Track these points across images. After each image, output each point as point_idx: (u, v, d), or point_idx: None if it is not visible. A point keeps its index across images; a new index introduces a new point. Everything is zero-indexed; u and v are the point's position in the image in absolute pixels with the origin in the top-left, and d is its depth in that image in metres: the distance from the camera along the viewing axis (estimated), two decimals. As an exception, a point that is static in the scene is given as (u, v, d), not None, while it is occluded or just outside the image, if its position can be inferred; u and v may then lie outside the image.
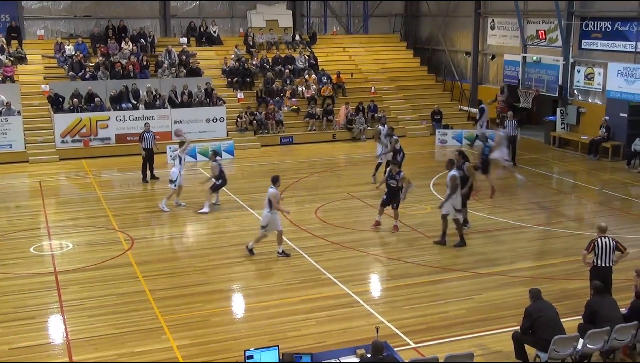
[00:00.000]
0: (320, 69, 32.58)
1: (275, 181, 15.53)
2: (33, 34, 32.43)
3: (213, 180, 19.42)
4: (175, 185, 19.60)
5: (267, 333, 11.97)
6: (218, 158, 19.78)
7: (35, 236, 17.47)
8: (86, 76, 28.89)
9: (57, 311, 13.08)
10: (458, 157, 17.17)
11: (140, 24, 33.34)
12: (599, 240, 12.22)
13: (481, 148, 20.60)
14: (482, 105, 28.65)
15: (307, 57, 33.19)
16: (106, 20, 32.18)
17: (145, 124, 23.54)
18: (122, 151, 26.33)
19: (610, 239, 12.25)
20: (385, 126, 22.92)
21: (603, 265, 12.17)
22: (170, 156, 23.61)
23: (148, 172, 22.84)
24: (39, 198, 21.00)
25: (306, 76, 31.75)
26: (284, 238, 15.98)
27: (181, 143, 20.39)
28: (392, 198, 17.38)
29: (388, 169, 17.57)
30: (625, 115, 25.60)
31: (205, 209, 19.24)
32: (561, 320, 10.71)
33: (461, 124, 31.36)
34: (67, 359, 11.27)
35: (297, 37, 34.64)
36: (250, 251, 15.80)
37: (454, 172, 16.24)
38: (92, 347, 11.61)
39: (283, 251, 15.76)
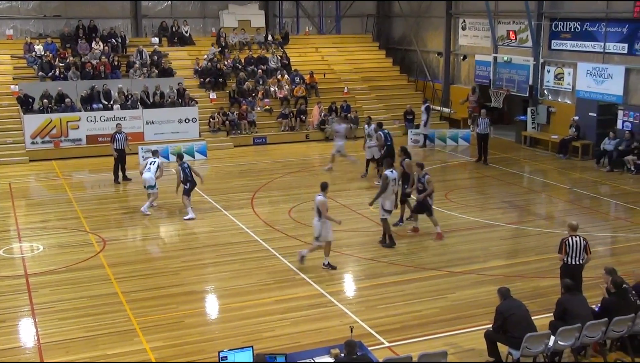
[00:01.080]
0: (293, 69, 32.57)
1: (324, 188, 14.76)
2: (2, 34, 31.95)
3: (182, 185, 18.84)
4: (155, 188, 19.30)
5: (241, 334, 11.94)
6: (184, 161, 19.04)
7: (5, 239, 17.25)
8: (56, 76, 28.57)
9: (28, 314, 12.92)
10: (400, 153, 17.69)
11: (111, 23, 33.04)
12: (570, 238, 12.39)
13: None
14: (427, 103, 28.75)
15: (279, 58, 33.14)
16: (76, 20, 31.87)
17: (117, 125, 23.36)
18: (93, 152, 26.08)
19: (581, 238, 12.42)
20: (372, 124, 23.15)
21: (574, 262, 12.33)
22: (142, 162, 22.66)
23: (120, 173, 22.64)
24: (8, 200, 20.72)
25: (279, 76, 31.71)
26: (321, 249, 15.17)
27: (154, 152, 20.05)
28: (422, 203, 16.91)
29: (416, 173, 17.06)
30: (595, 115, 25.93)
31: (191, 215, 18.71)
32: (534, 317, 10.83)
33: (434, 124, 31.44)
34: (38, 363, 11.16)
35: (270, 38, 34.57)
36: (302, 259, 15.08)
37: (387, 171, 16.34)
38: (64, 350, 11.49)
39: (329, 263, 14.94)
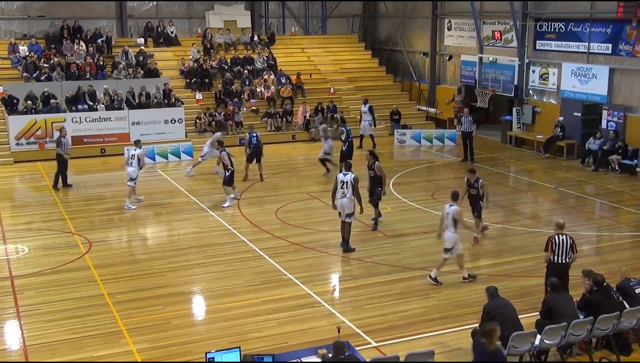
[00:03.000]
0: (279, 69, 32.55)
1: (456, 197, 14.23)
2: (-15, 35, 31.83)
3: (223, 172, 19.73)
4: (135, 182, 19.67)
5: (228, 335, 11.92)
6: (224, 147, 20.17)
7: (-11, 241, 17.13)
8: (41, 78, 28.39)
9: (13, 316, 12.84)
10: (369, 157, 17.74)
11: (96, 24, 32.92)
12: (556, 237, 12.45)
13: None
14: (369, 104, 28.73)
15: (265, 58, 33.12)
16: (61, 21, 31.70)
17: (61, 129, 22.58)
18: (79, 153, 25.93)
19: (567, 236, 12.48)
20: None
21: (560, 261, 12.38)
22: (125, 155, 22.43)
23: (60, 180, 21.97)
24: (-7, 202, 20.59)
25: (265, 77, 31.69)
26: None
27: (137, 142, 20.38)
28: (473, 206, 16.71)
29: (466, 178, 16.75)
30: (579, 114, 26.09)
31: (228, 203, 19.70)
32: (520, 316, 10.88)
33: (420, 124, 31.63)
34: (24, 365, 11.09)
35: (256, 38, 34.55)
36: (435, 280, 14.12)
37: (339, 173, 16.29)
38: (50, 352, 11.42)
39: (469, 274, 14.29)
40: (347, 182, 15.68)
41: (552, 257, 12.42)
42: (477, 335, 9.67)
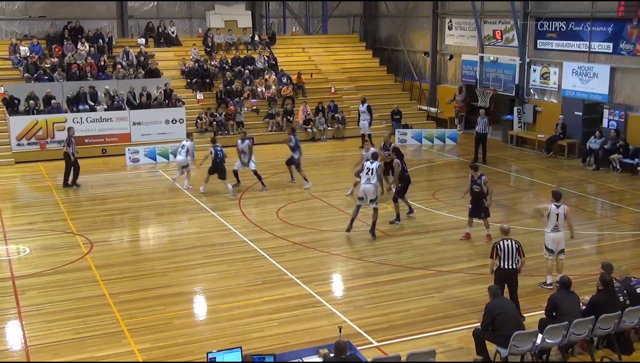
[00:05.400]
0: (279, 69, 32.56)
1: (559, 196, 13.91)
2: (-14, 35, 31.84)
3: (294, 156, 21.63)
4: (186, 170, 21.79)
5: (229, 335, 11.93)
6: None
7: (-9, 241, 17.15)
8: (42, 78, 28.40)
9: (14, 317, 12.84)
10: (392, 154, 18.89)
11: (96, 24, 32.91)
12: (501, 242, 12.27)
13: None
14: (367, 103, 28.66)
15: (266, 58, 33.13)
16: (62, 21, 31.70)
17: (69, 128, 22.86)
18: (80, 154, 25.71)
19: (513, 241, 12.30)
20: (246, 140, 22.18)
21: (507, 266, 12.17)
22: (178, 145, 22.65)
23: (70, 177, 22.21)
24: (-6, 202, 20.61)
25: (266, 77, 31.70)
26: None
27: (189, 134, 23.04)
28: (478, 205, 16.62)
29: (470, 175, 16.68)
30: (580, 113, 26.08)
31: (308, 185, 21.55)
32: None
33: (421, 124, 31.62)
34: (26, 366, 11.11)
35: (257, 38, 34.55)
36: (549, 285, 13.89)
37: (379, 163, 17.46)
38: (52, 352, 11.43)
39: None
40: (372, 169, 16.79)
41: (498, 263, 12.21)
42: None
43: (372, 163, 16.93)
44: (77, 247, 16.62)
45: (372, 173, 16.72)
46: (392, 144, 20.18)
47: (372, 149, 18.67)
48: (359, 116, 28.54)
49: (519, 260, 12.23)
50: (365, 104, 28.36)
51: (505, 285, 12.11)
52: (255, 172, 21.66)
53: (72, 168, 22.18)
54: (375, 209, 16.86)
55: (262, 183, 21.60)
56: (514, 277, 12.23)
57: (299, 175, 22.07)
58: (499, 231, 12.80)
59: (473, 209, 16.75)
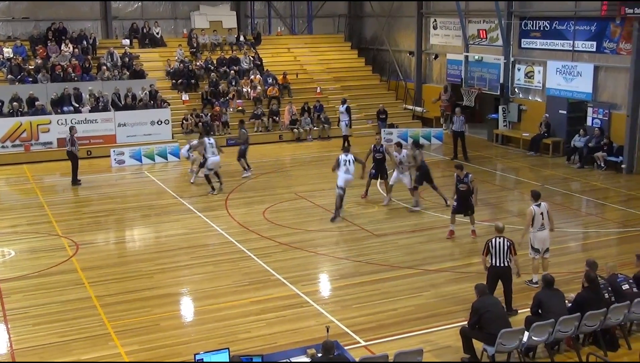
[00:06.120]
0: (265, 69, 32.53)
1: (538, 196, 13.92)
2: (-31, 37, 31.56)
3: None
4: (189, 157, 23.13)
5: (217, 336, 11.90)
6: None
7: (-25, 244, 17.01)
8: (26, 80, 28.20)
9: (0, 320, 12.75)
10: (395, 147, 19.69)
11: (80, 25, 32.72)
12: (493, 240, 12.37)
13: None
14: (347, 104, 28.72)
15: (252, 58, 33.08)
16: (45, 22, 31.50)
17: (71, 127, 23.23)
18: (65, 156, 25.69)
19: (505, 239, 12.38)
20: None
21: (499, 264, 12.26)
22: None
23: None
24: (-22, 205, 20.45)
25: (251, 77, 31.66)
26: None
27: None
28: (464, 203, 16.76)
29: (455, 174, 16.79)
30: (565, 112, 26.21)
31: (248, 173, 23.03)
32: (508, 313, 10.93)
33: (406, 123, 31.68)
34: (11, 369, 11.03)
35: (242, 38, 34.49)
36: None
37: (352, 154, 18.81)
38: (38, 356, 11.36)
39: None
40: (349, 160, 18.25)
41: (491, 260, 12.33)
42: None
43: (347, 155, 18.41)
44: (63, 249, 16.52)
45: (349, 163, 18.20)
46: (384, 146, 20.51)
47: (404, 151, 19.61)
48: (339, 117, 28.57)
49: (511, 258, 12.29)
50: (345, 105, 28.37)
51: (500, 282, 12.21)
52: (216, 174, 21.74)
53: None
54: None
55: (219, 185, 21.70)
56: (506, 275, 12.32)
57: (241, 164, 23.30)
58: (493, 229, 12.81)
59: (458, 207, 16.83)
